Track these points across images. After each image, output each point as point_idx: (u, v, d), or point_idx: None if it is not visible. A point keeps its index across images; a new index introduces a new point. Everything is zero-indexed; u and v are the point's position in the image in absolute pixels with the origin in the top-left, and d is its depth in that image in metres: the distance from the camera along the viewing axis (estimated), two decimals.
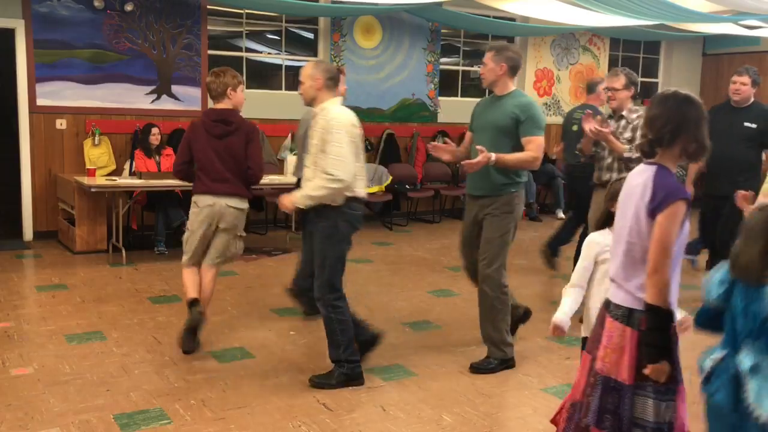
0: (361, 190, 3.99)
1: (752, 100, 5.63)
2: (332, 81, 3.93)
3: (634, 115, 4.93)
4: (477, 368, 4.23)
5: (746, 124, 5.50)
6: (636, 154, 4.58)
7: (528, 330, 5.02)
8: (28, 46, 7.27)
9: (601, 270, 3.04)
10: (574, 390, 2.62)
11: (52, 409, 3.54)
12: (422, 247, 7.79)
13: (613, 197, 2.84)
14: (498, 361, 4.26)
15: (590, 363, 2.53)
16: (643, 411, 2.39)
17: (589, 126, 4.71)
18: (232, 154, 4.42)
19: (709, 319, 2.38)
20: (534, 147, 4.11)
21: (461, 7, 8.92)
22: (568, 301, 3.06)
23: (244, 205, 4.54)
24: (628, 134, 4.90)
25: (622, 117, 5.00)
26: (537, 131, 4.13)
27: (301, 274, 4.81)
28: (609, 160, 4.97)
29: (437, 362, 4.32)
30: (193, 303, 4.41)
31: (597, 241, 3.10)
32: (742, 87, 5.57)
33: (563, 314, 3.00)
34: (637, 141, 4.59)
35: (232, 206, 4.46)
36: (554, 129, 10.82)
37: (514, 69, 4.32)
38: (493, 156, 4.00)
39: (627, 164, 4.74)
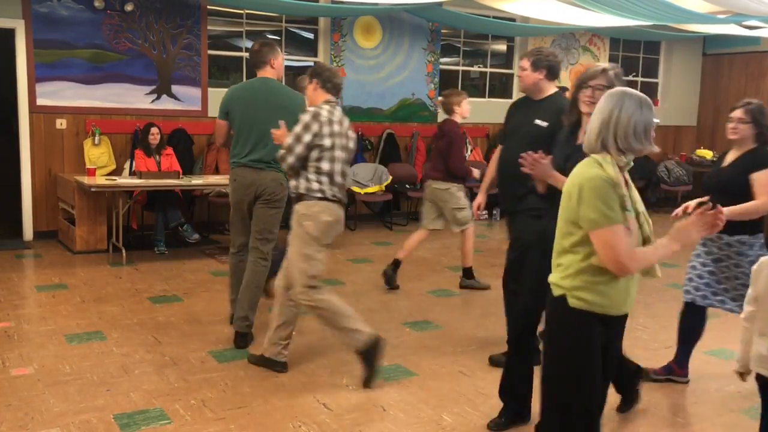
0: None
1: (550, 91, 4.16)
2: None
3: None
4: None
5: (536, 121, 4.06)
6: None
7: None
8: (28, 46, 7.27)
9: None
10: None
11: (52, 409, 3.54)
12: (422, 247, 7.76)
13: None
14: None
15: None
16: None
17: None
18: (440, 152, 5.97)
19: None
20: None
21: (461, 7, 8.92)
22: None
23: (445, 185, 5.99)
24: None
25: None
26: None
27: None
28: None
29: (437, 362, 4.32)
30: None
31: None
32: (522, 73, 4.19)
33: None
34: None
35: (437, 188, 6.03)
36: None
37: (254, 63, 4.69)
38: None
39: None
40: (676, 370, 4.13)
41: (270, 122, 4.22)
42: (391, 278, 6.03)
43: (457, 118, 6.00)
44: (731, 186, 3.75)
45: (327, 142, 3.86)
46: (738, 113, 3.80)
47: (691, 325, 4.08)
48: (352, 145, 4.06)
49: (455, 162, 5.88)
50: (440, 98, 6.02)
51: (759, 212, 3.67)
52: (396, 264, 6.04)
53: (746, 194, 3.68)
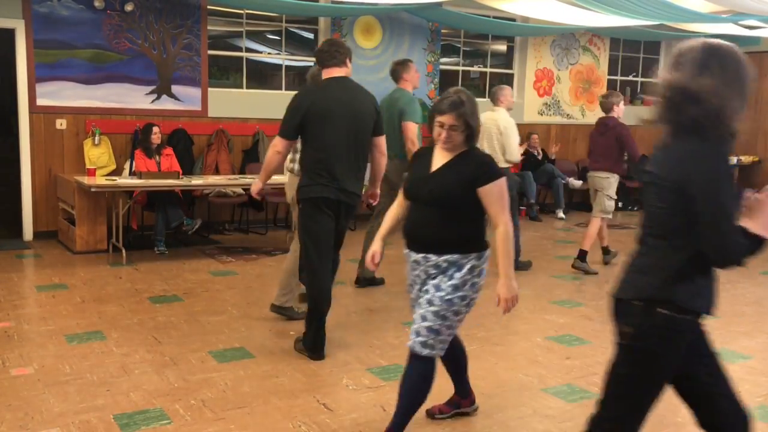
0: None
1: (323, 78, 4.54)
2: None
3: None
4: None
5: None
6: None
7: (528, 330, 5.03)
8: (28, 46, 7.27)
9: None
10: None
11: (52, 409, 3.54)
12: None
13: None
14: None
15: None
16: None
17: None
18: (606, 145, 6.75)
19: None
20: None
21: (461, 7, 8.92)
22: None
23: (606, 174, 6.81)
24: None
25: None
26: None
27: None
28: None
29: (437, 362, 4.32)
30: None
31: None
32: None
33: None
34: None
35: (599, 176, 6.87)
36: (554, 129, 10.84)
37: (393, 79, 6.21)
38: None
39: None
40: (463, 403, 3.62)
41: (387, 123, 5.41)
42: (583, 267, 6.81)
43: (614, 114, 6.85)
44: (448, 197, 3.07)
45: None
46: (449, 119, 3.02)
47: (451, 356, 3.48)
48: None
49: (634, 151, 6.71)
50: (600, 98, 7.15)
51: (509, 235, 3.07)
52: (582, 254, 6.83)
53: (463, 206, 3.06)
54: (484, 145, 6.57)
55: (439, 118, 3.05)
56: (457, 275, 3.06)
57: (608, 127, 6.77)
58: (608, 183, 6.82)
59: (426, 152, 3.21)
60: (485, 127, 6.51)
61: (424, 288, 3.14)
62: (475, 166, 3.07)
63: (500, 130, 6.46)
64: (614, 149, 6.72)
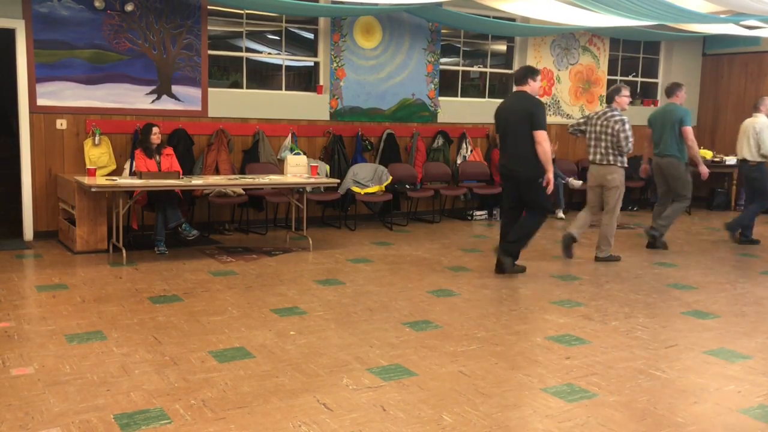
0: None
1: None
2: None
3: None
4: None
5: None
6: None
7: (528, 330, 5.03)
8: (28, 46, 7.27)
9: None
10: None
11: (52, 409, 3.54)
12: (422, 247, 7.79)
13: None
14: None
15: None
16: None
17: None
18: None
19: None
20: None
21: (461, 7, 8.92)
22: None
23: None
24: None
25: None
26: None
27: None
28: None
29: (437, 362, 4.32)
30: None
31: None
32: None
33: None
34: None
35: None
36: (554, 129, 10.83)
37: (668, 93, 7.97)
38: None
39: None
40: None
41: (662, 129, 7.63)
42: None
43: None
44: None
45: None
46: None
47: None
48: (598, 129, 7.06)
49: None
50: None
51: None
52: None
53: None
54: (743, 144, 8.26)
55: None
56: None
57: None
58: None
59: None
60: (744, 129, 8.32)
61: None
62: None
63: (756, 130, 8.06)
64: None
